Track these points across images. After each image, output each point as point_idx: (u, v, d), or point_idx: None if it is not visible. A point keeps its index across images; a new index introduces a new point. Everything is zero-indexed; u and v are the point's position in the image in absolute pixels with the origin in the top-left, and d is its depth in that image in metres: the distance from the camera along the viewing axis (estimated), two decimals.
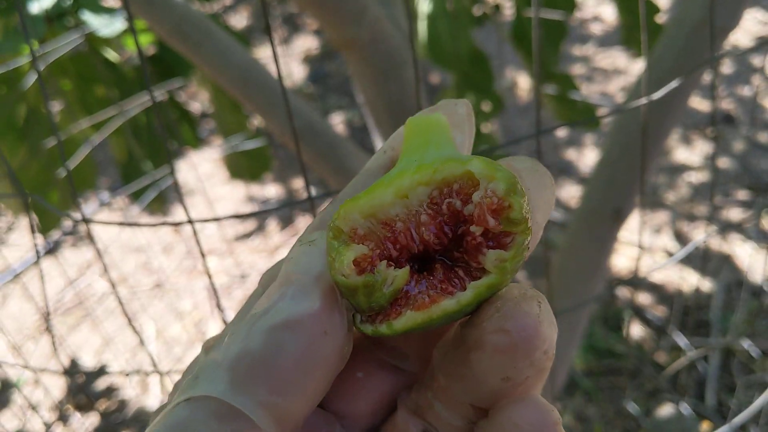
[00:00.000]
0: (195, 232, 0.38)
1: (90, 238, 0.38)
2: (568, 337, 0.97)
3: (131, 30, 0.30)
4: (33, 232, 0.41)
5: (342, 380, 0.28)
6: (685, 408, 1.56)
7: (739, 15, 0.79)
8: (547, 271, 0.50)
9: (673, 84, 0.44)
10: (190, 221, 0.38)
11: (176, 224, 0.35)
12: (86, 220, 0.38)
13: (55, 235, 2.58)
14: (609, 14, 3.35)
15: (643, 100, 0.43)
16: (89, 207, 2.69)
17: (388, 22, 0.81)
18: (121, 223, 0.35)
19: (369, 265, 0.23)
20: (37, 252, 0.45)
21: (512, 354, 0.23)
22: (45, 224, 1.32)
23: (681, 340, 1.75)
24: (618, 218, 0.86)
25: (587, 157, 2.54)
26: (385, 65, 0.81)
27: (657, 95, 0.45)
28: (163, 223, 0.37)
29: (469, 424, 0.26)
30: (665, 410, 1.49)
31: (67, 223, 2.53)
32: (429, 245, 0.24)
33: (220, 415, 0.22)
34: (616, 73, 2.98)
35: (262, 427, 0.22)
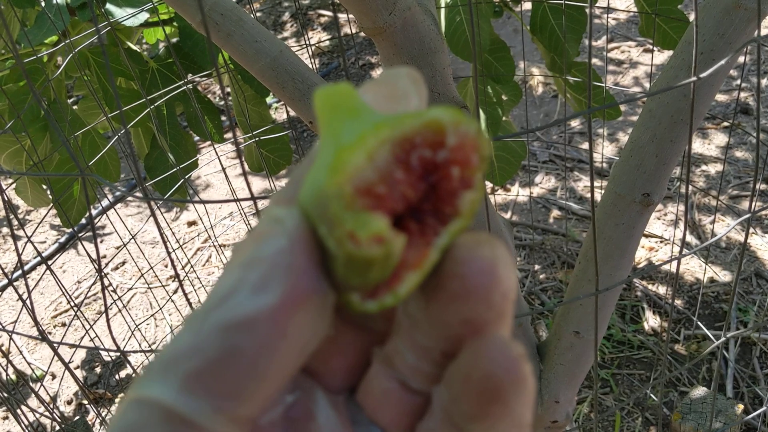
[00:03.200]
0: (257, 209, 0.39)
1: (154, 219, 0.39)
2: (595, 322, 0.97)
3: (201, 10, 0.30)
4: (89, 206, 0.42)
5: None
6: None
7: None
8: (594, 255, 0.50)
9: (722, 62, 0.44)
10: (236, 199, 0.38)
11: (239, 200, 0.35)
12: (149, 197, 0.38)
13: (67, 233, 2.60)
14: (621, 5, 3.34)
15: (693, 78, 0.43)
16: (106, 201, 2.70)
17: (420, 9, 0.81)
18: (186, 201, 0.36)
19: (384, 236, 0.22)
20: (91, 216, 0.45)
21: (468, 298, 0.23)
22: (71, 215, 1.33)
23: (699, 331, 1.75)
24: (648, 203, 0.86)
25: (603, 149, 2.54)
26: (416, 52, 0.81)
27: (705, 73, 0.45)
28: (225, 201, 0.37)
29: (438, 369, 0.26)
30: (698, 391, 1.48)
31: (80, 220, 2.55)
32: (409, 202, 0.24)
33: (170, 421, 0.21)
34: (630, 64, 2.97)
35: None
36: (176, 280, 2.34)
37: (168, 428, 0.21)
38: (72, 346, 0.49)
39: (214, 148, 1.39)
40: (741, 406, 1.32)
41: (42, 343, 2.17)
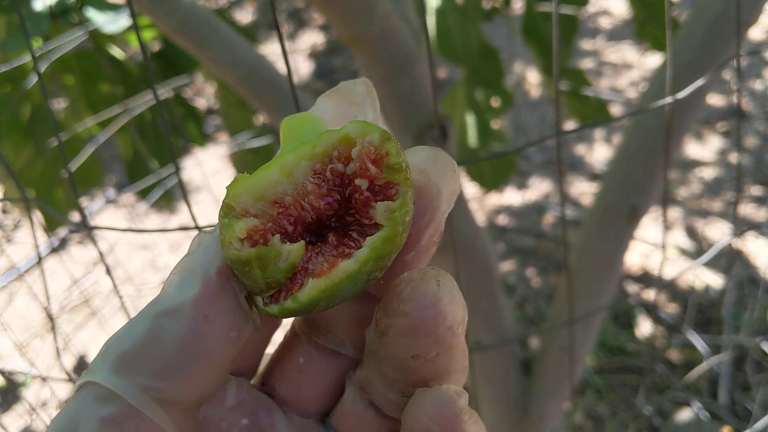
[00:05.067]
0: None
1: (92, 241, 0.37)
2: (584, 336, 0.95)
3: (134, 28, 0.28)
4: (34, 234, 0.40)
5: (284, 367, 0.29)
6: (698, 406, 1.54)
7: (760, 9, 0.76)
8: (567, 271, 0.49)
9: (699, 83, 0.42)
10: (198, 227, 0.36)
11: (183, 229, 0.33)
12: (88, 227, 0.36)
13: (62, 232, 2.58)
14: (618, 8, 3.32)
15: (668, 99, 0.41)
16: (96, 204, 2.68)
17: (398, 18, 0.79)
18: (121, 229, 0.33)
19: (261, 238, 0.24)
20: (39, 253, 0.44)
21: (414, 334, 0.24)
22: (50, 223, 1.31)
23: (693, 338, 1.73)
24: (634, 216, 0.84)
25: (597, 153, 2.52)
26: (395, 61, 0.79)
27: (682, 94, 0.43)
28: (164, 230, 0.35)
29: (405, 398, 0.27)
30: (684, 414, 1.47)
31: (75, 220, 2.53)
32: (320, 213, 0.25)
33: (102, 400, 0.22)
34: (625, 67, 2.95)
35: (146, 412, 0.22)
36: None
37: (102, 410, 0.22)
38: (17, 373, 0.47)
39: (176, 168, 1.37)
40: (726, 429, 1.31)
41: (37, 343, 2.16)
